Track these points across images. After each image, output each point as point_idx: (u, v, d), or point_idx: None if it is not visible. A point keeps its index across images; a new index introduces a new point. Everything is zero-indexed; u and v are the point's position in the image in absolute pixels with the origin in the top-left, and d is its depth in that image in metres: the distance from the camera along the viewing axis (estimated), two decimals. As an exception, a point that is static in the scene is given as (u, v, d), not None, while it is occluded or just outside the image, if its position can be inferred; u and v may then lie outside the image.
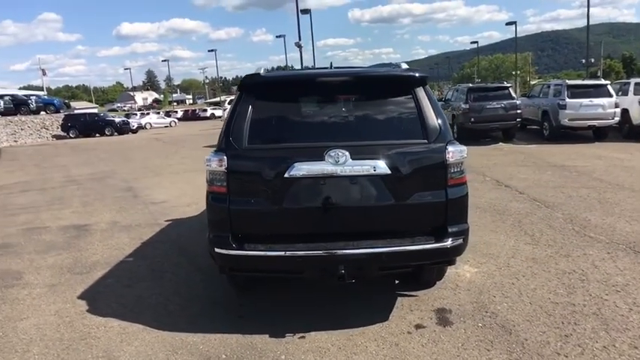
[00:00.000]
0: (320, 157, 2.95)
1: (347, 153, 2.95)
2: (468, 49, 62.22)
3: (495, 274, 4.10)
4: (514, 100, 13.83)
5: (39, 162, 15.23)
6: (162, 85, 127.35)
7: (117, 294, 4.00)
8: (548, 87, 14.43)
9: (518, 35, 44.65)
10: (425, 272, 3.77)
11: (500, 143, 13.61)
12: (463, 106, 13.65)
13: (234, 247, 3.05)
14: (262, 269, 3.18)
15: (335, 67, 3.99)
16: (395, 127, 3.26)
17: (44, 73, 56.62)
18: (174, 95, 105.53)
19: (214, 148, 3.20)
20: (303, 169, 2.96)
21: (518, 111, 13.68)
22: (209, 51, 55.76)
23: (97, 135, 30.36)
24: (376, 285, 3.90)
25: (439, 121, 3.15)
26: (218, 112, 47.16)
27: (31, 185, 10.41)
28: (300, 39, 27.67)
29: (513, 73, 52.87)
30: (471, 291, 3.79)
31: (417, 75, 3.24)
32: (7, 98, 31.27)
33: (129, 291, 4.06)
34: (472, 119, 13.45)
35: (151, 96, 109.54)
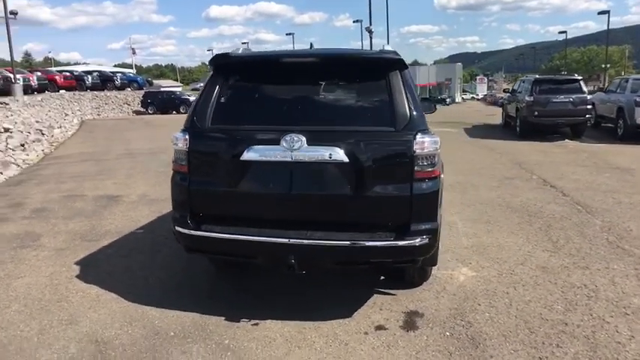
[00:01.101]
0: (276, 142, 2.82)
1: (303, 138, 2.80)
2: (560, 39, 57.15)
3: (492, 281, 3.74)
4: (584, 95, 12.44)
5: (109, 135, 16.40)
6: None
7: (111, 263, 4.19)
8: (627, 81, 12.86)
9: (617, 26, 40.30)
10: (405, 271, 3.54)
11: (567, 140, 12.41)
12: (527, 98, 12.57)
13: (191, 226, 3.04)
14: (218, 251, 3.15)
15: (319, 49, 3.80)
16: (360, 112, 3.04)
17: (134, 52, 60.83)
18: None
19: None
20: (257, 152, 2.86)
21: (589, 106, 12.32)
22: (287, 34, 56.45)
23: (173, 112, 32.13)
24: (357, 278, 3.73)
25: (412, 108, 2.87)
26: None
27: (91, 156, 11.25)
28: (370, 24, 27.05)
29: (603, 66, 47.95)
30: (457, 296, 3.49)
31: (390, 58, 2.98)
32: (95, 74, 34.11)
33: (122, 261, 4.23)
34: (536, 113, 12.36)
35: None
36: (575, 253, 4.31)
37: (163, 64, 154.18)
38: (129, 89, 35.19)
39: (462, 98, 38.12)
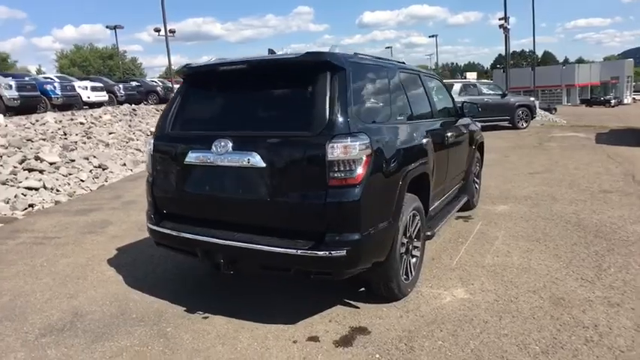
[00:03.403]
0: (208, 146, 2.96)
1: (230, 143, 2.89)
2: None
3: (480, 307, 3.27)
4: None
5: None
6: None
7: (141, 252, 4.76)
8: None
9: None
10: (370, 283, 3.33)
11: None
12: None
13: (154, 222, 3.36)
14: (172, 246, 3.39)
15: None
16: (282, 117, 2.98)
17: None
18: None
19: None
20: (194, 157, 3.05)
21: None
22: (429, 37, 55.13)
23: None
24: (330, 286, 3.61)
25: (334, 111, 2.72)
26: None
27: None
28: (506, 20, 24.83)
29: None
30: (424, 318, 3.15)
31: (312, 60, 2.88)
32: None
33: (149, 251, 4.75)
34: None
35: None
36: (619, 285, 3.49)
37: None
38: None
39: (633, 99, 32.41)
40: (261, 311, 3.31)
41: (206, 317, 3.27)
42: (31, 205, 6.94)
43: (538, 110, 19.60)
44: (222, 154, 2.90)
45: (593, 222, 5.05)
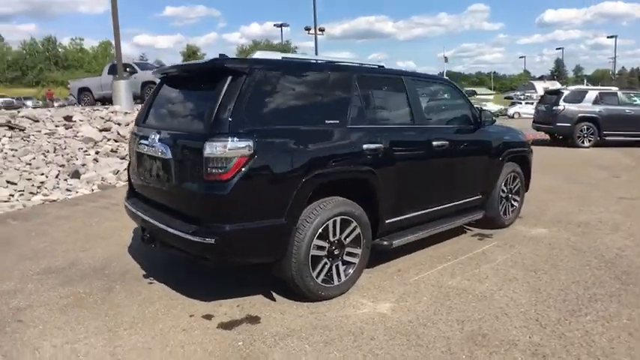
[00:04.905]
0: (147, 138, 3.47)
1: (157, 136, 3.36)
2: None
3: (386, 324, 3.11)
4: None
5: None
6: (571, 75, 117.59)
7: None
8: None
9: None
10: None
11: None
12: None
13: (126, 197, 4.02)
14: (131, 218, 3.96)
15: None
16: (191, 115, 3.38)
17: (446, 60, 63.57)
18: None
19: None
20: (141, 145, 3.60)
21: None
22: (607, 37, 47.43)
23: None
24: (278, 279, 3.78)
25: (221, 112, 2.95)
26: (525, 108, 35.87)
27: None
28: None
29: None
30: (319, 322, 3.15)
31: (216, 66, 3.15)
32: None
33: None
34: None
35: (553, 85, 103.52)
36: (572, 337, 2.93)
37: (485, 72, 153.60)
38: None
39: None
40: (197, 288, 3.68)
41: (151, 283, 3.80)
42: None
43: None
44: (152, 145, 3.39)
45: (635, 263, 4.13)
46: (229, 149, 2.87)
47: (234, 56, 3.94)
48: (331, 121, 3.42)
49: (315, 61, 3.72)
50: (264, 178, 3.01)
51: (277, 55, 3.44)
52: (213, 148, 2.88)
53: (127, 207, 3.88)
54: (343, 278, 3.53)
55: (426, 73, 4.55)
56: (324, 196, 3.37)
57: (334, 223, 3.38)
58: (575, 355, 2.73)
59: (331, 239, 3.39)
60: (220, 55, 3.35)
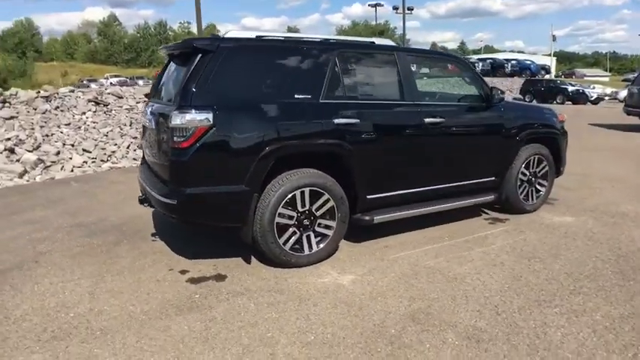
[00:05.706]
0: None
1: (150, 109, 3.82)
2: None
3: (338, 292, 3.20)
4: None
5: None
6: None
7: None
8: None
9: None
10: None
11: None
12: None
13: (140, 166, 4.48)
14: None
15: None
16: (172, 90, 3.64)
17: (554, 39, 58.13)
18: None
19: None
20: (144, 118, 4.00)
21: None
22: None
23: (550, 101, 30.00)
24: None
25: (187, 87, 3.22)
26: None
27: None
28: None
29: None
30: (276, 285, 3.32)
31: (187, 45, 3.44)
32: (487, 62, 36.09)
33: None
34: None
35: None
36: (509, 325, 2.78)
37: (603, 52, 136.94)
38: (518, 77, 35.20)
39: None
40: (190, 248, 4.04)
41: (154, 241, 4.25)
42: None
43: None
44: (147, 117, 3.80)
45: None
46: (188, 120, 3.13)
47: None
48: (301, 96, 3.49)
49: (289, 39, 3.79)
50: (223, 147, 3.21)
51: (252, 35, 3.58)
52: (177, 119, 3.16)
53: (139, 174, 4.37)
54: (315, 248, 3.63)
55: (429, 49, 4.35)
56: (297, 168, 3.49)
57: (302, 193, 3.49)
58: (514, 343, 2.59)
59: (300, 209, 3.52)
60: (212, 34, 3.61)
